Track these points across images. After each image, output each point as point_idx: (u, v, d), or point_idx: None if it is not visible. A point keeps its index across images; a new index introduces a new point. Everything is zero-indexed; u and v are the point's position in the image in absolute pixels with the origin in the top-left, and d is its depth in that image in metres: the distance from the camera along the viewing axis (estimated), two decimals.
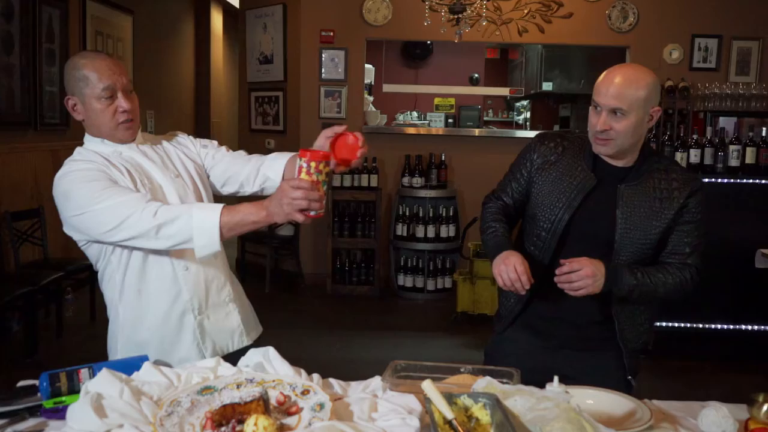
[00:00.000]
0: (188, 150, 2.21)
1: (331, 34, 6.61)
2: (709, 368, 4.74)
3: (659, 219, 2.07)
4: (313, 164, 1.76)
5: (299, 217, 1.78)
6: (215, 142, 2.29)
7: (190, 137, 2.27)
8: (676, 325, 4.93)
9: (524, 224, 2.26)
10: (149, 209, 1.86)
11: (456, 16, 5.24)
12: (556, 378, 1.69)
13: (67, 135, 6.06)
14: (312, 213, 1.79)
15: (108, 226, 1.88)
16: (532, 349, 2.20)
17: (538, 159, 2.17)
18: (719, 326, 4.91)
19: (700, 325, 4.92)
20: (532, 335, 2.22)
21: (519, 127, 9.82)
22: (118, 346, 2.08)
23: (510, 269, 1.99)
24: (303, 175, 1.77)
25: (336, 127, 1.96)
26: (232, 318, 2.15)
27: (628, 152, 2.09)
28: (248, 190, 2.23)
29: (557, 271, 1.99)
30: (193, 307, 2.07)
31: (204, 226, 1.84)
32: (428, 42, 9.07)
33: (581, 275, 1.96)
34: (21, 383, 1.85)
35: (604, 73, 2.04)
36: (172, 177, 2.08)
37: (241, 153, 2.27)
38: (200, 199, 2.12)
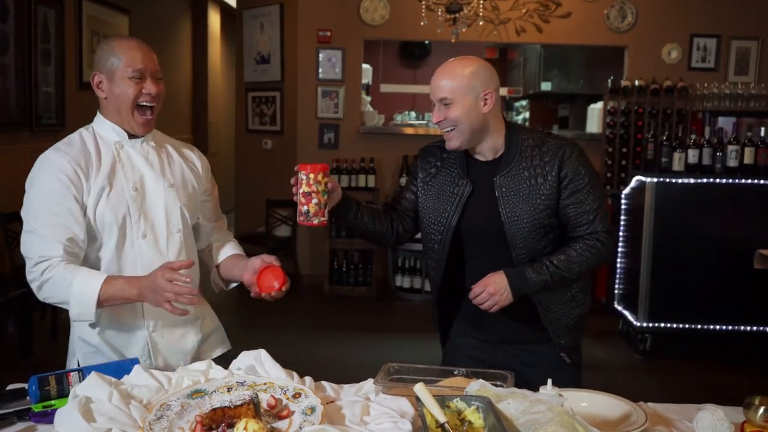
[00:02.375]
0: (194, 167, 2.19)
1: (329, 33, 6.60)
2: (707, 369, 4.73)
3: (541, 197, 2.04)
4: (312, 176, 1.94)
5: (167, 307, 1.83)
6: (216, 194, 2.30)
7: (204, 161, 2.25)
8: (674, 326, 4.92)
9: (422, 242, 2.28)
10: (40, 268, 1.88)
11: (453, 16, 5.22)
12: (549, 381, 1.68)
13: (63, 136, 6.02)
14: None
15: (23, 247, 1.94)
16: (478, 344, 2.23)
17: (421, 173, 2.22)
18: (717, 327, 4.90)
19: (698, 326, 4.91)
20: (475, 330, 2.24)
21: None
22: (75, 346, 2.08)
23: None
24: (304, 187, 1.94)
25: (265, 256, 2.07)
26: (187, 339, 2.11)
27: (482, 140, 2.09)
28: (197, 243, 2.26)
29: (470, 296, 2.06)
30: (147, 324, 2.03)
31: (82, 293, 1.87)
32: (426, 42, 9.05)
33: (485, 296, 2.02)
34: (10, 386, 1.83)
35: None
36: (165, 186, 2.06)
37: (218, 220, 2.30)
38: (187, 216, 2.10)
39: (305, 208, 1.95)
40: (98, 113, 2.07)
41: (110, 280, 1.89)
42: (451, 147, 2.10)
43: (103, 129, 2.04)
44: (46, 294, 1.92)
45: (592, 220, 2.06)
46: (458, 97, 2.03)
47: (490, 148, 2.11)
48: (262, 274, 2.04)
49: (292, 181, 1.98)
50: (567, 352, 2.19)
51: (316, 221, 1.96)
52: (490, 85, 2.05)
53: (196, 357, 2.10)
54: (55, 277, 1.88)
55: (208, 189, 2.23)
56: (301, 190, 1.95)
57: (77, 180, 1.94)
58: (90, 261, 2.00)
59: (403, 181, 6.50)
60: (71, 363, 2.08)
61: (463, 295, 2.20)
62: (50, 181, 1.93)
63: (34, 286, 1.92)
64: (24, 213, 1.95)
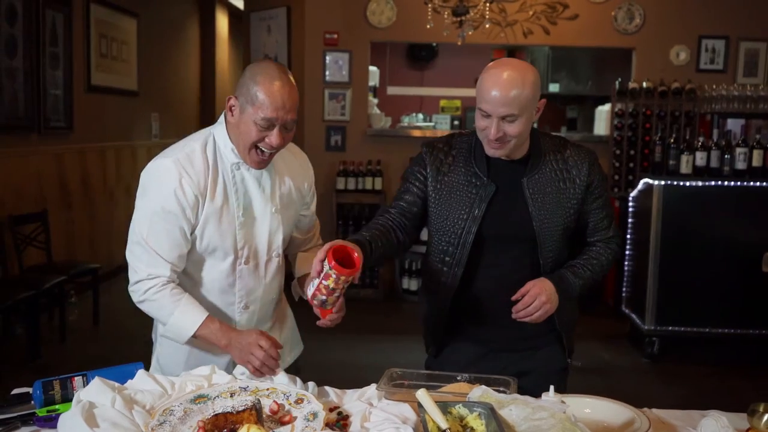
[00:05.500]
0: (301, 186, 2.14)
1: (335, 36, 6.60)
2: (715, 373, 4.70)
3: (570, 201, 2.03)
4: (342, 278, 1.75)
5: (249, 368, 1.85)
6: (314, 205, 2.24)
7: (311, 174, 2.20)
8: (682, 329, 4.89)
9: (429, 243, 2.16)
10: (143, 286, 1.92)
11: (459, 19, 5.22)
12: (552, 387, 1.67)
13: (71, 138, 6.07)
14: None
15: (130, 256, 1.95)
16: (474, 358, 2.13)
17: (431, 171, 2.06)
18: (725, 330, 4.87)
19: (707, 330, 4.88)
20: (474, 342, 2.15)
21: None
22: (158, 348, 2.13)
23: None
24: (330, 283, 1.75)
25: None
26: None
27: (521, 146, 2.02)
28: None
29: (514, 311, 1.95)
30: None
31: (179, 326, 1.92)
32: (434, 44, 9.04)
33: (538, 305, 1.93)
34: (15, 391, 1.84)
35: (484, 75, 1.91)
36: (271, 211, 2.03)
37: (311, 232, 2.26)
38: (286, 238, 2.10)
39: (323, 298, 1.79)
40: (224, 123, 1.98)
41: (208, 322, 1.91)
42: (494, 155, 1.98)
43: (224, 146, 1.97)
44: (144, 309, 1.97)
45: (609, 225, 2.12)
46: (525, 112, 1.88)
47: (519, 150, 2.00)
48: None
49: (317, 266, 1.76)
50: (570, 352, 2.20)
51: (332, 310, 1.83)
52: (540, 93, 1.94)
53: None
54: (159, 301, 1.92)
55: (308, 203, 2.19)
56: (324, 282, 1.76)
57: (195, 204, 1.91)
58: (192, 279, 2.01)
59: None
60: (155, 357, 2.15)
61: (467, 303, 2.11)
62: (168, 200, 1.89)
63: (134, 297, 1.96)
64: (135, 221, 1.94)
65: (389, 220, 2.07)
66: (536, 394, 1.72)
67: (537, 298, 1.92)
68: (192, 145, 1.96)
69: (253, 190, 2.00)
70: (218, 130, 1.99)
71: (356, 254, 1.79)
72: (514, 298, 1.95)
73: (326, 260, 1.74)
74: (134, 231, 1.94)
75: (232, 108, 1.93)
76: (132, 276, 1.95)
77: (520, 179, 2.01)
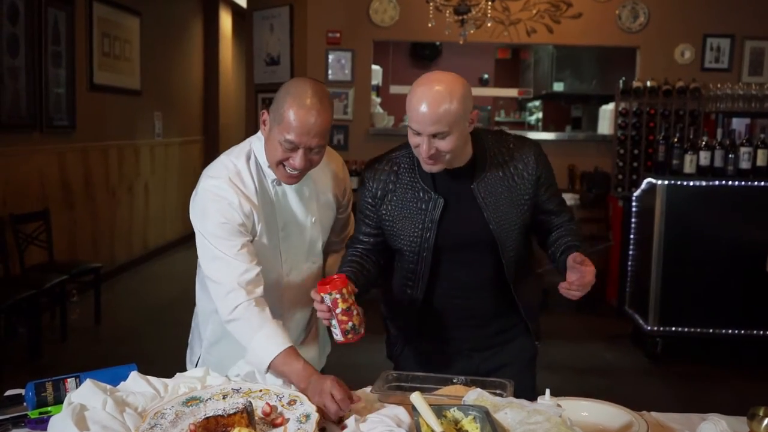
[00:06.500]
0: (338, 193, 2.13)
1: (338, 35, 6.59)
2: (718, 374, 4.67)
3: (522, 197, 2.00)
4: (345, 291, 1.80)
5: (323, 410, 1.67)
6: (350, 208, 2.23)
7: (348, 181, 2.18)
8: (686, 329, 4.86)
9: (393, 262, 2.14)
10: (233, 299, 1.82)
11: (461, 17, 5.19)
12: (548, 390, 1.66)
13: (74, 137, 6.06)
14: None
15: (206, 269, 1.90)
16: (443, 359, 2.11)
17: (379, 192, 2.02)
18: (729, 331, 4.84)
19: (710, 330, 4.85)
20: (445, 344, 2.12)
21: (531, 128, 9.74)
22: (197, 351, 2.15)
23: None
24: (341, 305, 1.79)
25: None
26: (308, 352, 2.09)
27: (461, 155, 1.97)
28: None
29: (568, 285, 1.82)
30: None
31: (259, 350, 1.80)
32: (437, 42, 9.03)
33: (592, 278, 1.81)
34: (9, 392, 1.83)
35: (411, 93, 1.86)
36: (310, 222, 2.02)
37: (344, 232, 2.25)
38: (323, 243, 2.11)
39: (350, 324, 1.81)
40: (263, 138, 1.95)
41: (289, 358, 1.77)
42: (430, 171, 1.94)
43: (263, 162, 1.96)
44: (230, 329, 1.87)
45: (564, 208, 2.10)
46: (456, 127, 1.84)
47: (460, 158, 1.96)
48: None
49: (322, 308, 1.79)
50: (537, 336, 2.18)
51: (362, 330, 1.84)
52: (472, 104, 1.91)
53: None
54: (244, 320, 1.82)
55: (344, 206, 2.18)
56: (338, 311, 1.79)
57: (251, 220, 1.90)
58: None
59: None
60: (191, 357, 2.16)
61: (432, 313, 2.08)
62: (233, 215, 1.86)
63: (223, 315, 1.86)
64: (204, 243, 1.90)
65: (357, 252, 2.07)
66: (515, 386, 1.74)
67: (587, 272, 1.80)
68: (237, 163, 1.94)
69: (294, 203, 2.00)
70: (257, 146, 1.97)
71: (335, 275, 1.84)
72: (572, 262, 1.81)
73: (321, 294, 1.78)
74: (206, 252, 1.89)
75: (264, 122, 1.91)
76: (219, 291, 1.85)
77: (469, 185, 1.98)
